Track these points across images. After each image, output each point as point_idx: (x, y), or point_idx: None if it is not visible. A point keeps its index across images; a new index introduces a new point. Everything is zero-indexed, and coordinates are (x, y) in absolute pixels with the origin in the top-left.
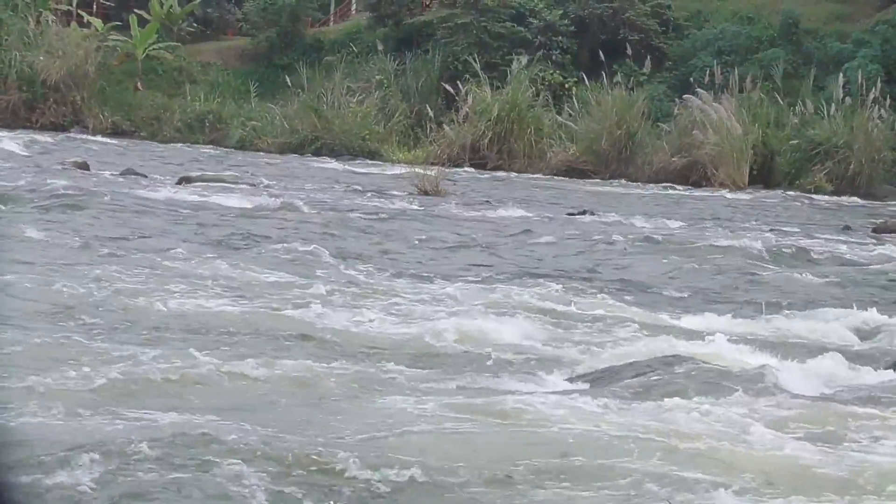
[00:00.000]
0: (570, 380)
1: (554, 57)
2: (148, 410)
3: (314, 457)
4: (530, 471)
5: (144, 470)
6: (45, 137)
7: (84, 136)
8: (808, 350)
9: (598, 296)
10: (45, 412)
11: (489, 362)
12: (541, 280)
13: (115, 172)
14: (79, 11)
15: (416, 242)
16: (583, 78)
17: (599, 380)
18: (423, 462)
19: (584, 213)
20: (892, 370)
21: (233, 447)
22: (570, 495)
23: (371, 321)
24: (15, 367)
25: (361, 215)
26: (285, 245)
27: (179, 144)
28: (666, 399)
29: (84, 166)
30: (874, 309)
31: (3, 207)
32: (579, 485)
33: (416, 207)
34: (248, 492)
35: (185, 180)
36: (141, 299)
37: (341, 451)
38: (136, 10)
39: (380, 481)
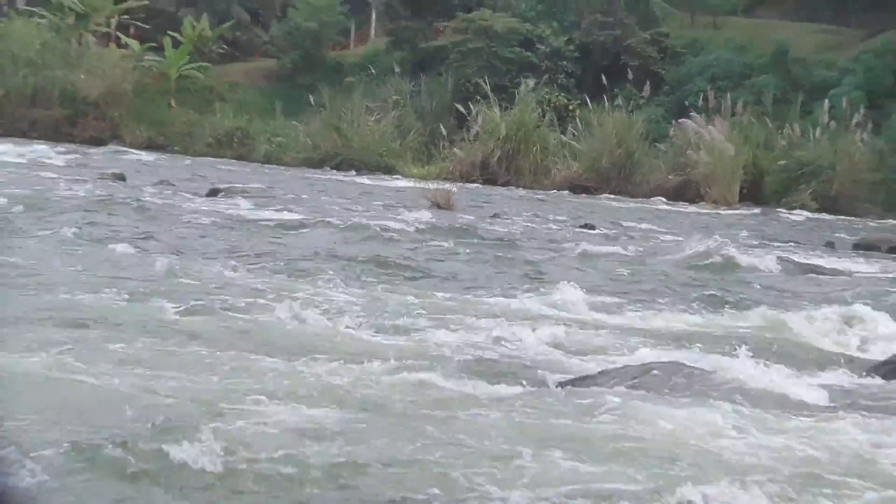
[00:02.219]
0: (569, 382)
1: (559, 80)
2: None
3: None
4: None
5: None
6: (85, 151)
7: (121, 150)
8: (791, 352)
9: (603, 300)
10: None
11: (509, 364)
12: (550, 289)
13: (149, 183)
14: (117, 33)
15: (429, 253)
16: (586, 100)
17: (598, 383)
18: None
19: (588, 226)
20: (871, 375)
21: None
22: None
23: (384, 327)
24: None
25: (377, 226)
26: (304, 253)
27: (209, 158)
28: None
29: (121, 177)
30: (859, 317)
31: (48, 215)
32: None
33: (429, 220)
34: None
35: (214, 191)
36: (158, 302)
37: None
38: (170, 33)
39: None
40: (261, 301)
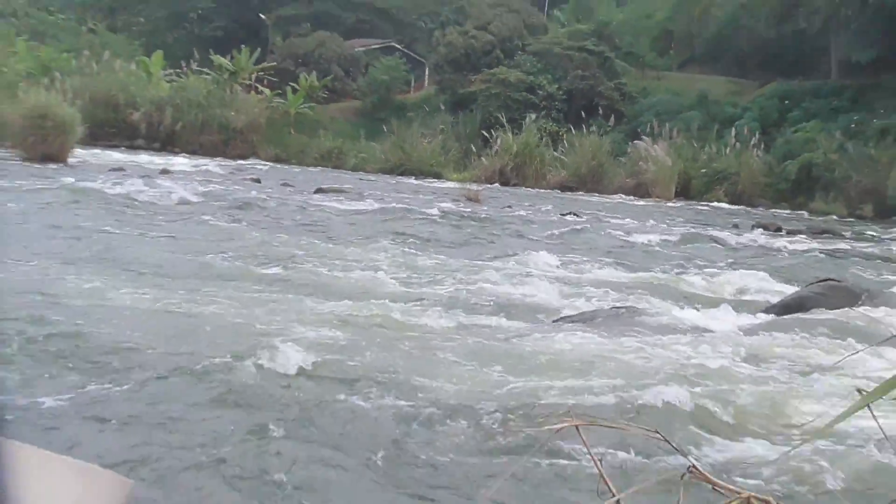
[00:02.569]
0: (556, 320)
1: (552, 115)
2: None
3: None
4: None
5: None
6: (233, 163)
7: (257, 163)
8: (708, 299)
9: (579, 263)
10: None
11: (506, 306)
12: (541, 253)
13: (275, 185)
14: (256, 84)
15: (457, 229)
16: (571, 128)
17: (576, 320)
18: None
19: (571, 213)
20: (762, 313)
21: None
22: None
23: (412, 280)
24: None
25: (428, 212)
26: (369, 229)
27: (316, 168)
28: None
29: (257, 180)
30: (753, 273)
31: (207, 203)
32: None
33: (463, 208)
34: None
35: (320, 190)
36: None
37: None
38: (290, 84)
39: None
40: (325, 260)
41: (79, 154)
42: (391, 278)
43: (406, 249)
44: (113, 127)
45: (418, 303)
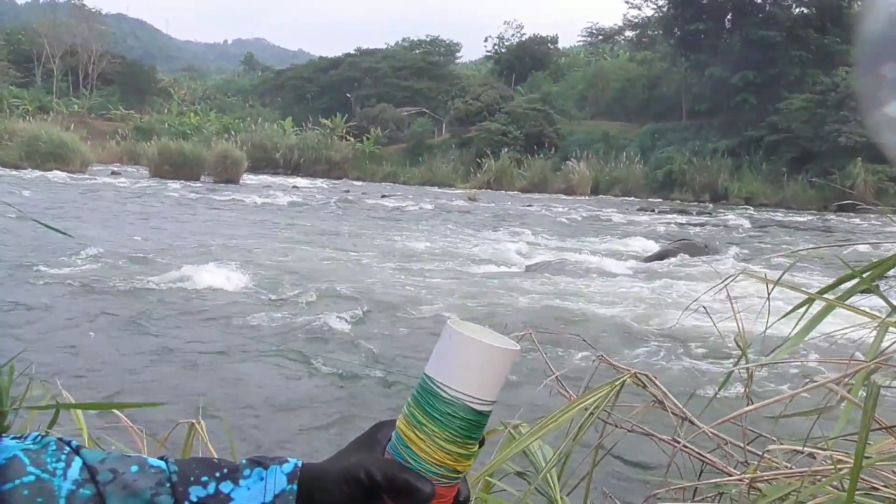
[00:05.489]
0: (523, 267)
1: (517, 148)
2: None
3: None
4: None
5: None
6: (333, 182)
7: (347, 181)
8: (610, 251)
9: (534, 233)
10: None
11: (489, 258)
12: (512, 228)
13: (358, 192)
14: (345, 135)
15: (461, 214)
16: (528, 156)
17: (532, 268)
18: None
19: (528, 205)
20: (644, 261)
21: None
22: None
23: (434, 245)
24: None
25: (442, 205)
26: (406, 216)
27: (381, 183)
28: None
29: (347, 191)
30: (637, 236)
31: (322, 204)
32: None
33: (465, 204)
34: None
35: (384, 196)
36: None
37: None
38: (365, 135)
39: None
40: (375, 234)
41: (246, 178)
42: (427, 240)
43: (439, 224)
44: (264, 162)
45: (442, 253)
